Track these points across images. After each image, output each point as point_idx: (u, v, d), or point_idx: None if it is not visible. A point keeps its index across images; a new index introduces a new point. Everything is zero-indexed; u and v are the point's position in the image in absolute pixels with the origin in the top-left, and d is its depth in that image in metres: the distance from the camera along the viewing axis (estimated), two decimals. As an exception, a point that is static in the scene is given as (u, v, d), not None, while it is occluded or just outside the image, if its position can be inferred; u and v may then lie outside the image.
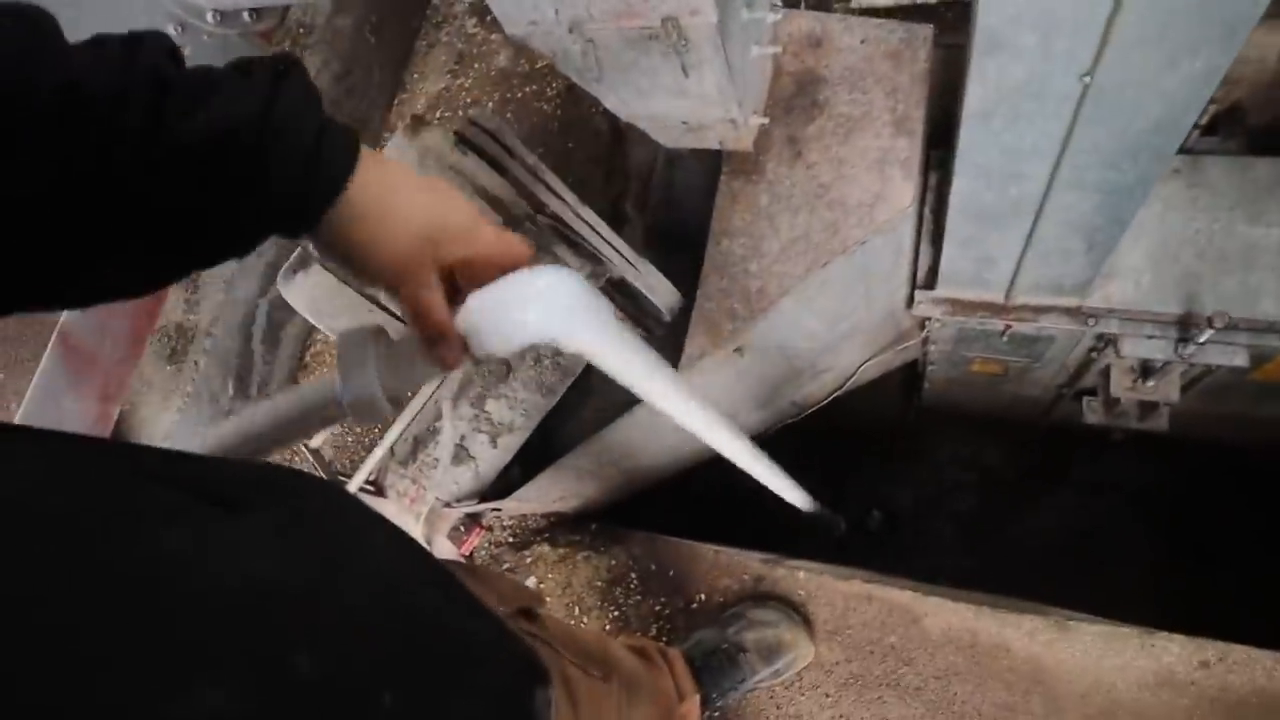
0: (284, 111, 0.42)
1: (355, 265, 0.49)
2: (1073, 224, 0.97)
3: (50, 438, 0.35)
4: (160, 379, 1.46)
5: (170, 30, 1.38)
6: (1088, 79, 0.73)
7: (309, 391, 0.54)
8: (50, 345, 1.40)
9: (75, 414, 1.41)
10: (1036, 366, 1.43)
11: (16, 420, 1.36)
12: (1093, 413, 1.42)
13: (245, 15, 1.51)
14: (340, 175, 0.45)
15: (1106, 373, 1.32)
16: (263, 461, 0.50)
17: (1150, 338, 1.18)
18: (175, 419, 1.44)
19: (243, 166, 0.41)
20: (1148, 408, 1.37)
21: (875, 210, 1.13)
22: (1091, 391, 1.43)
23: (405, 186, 0.48)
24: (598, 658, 0.78)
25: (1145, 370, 1.25)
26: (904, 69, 1.17)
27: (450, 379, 1.22)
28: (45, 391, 1.38)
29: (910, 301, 1.26)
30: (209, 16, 1.43)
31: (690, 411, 0.70)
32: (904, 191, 1.13)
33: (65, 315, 1.34)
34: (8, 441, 0.34)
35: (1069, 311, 1.19)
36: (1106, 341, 1.24)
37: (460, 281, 0.52)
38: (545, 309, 0.48)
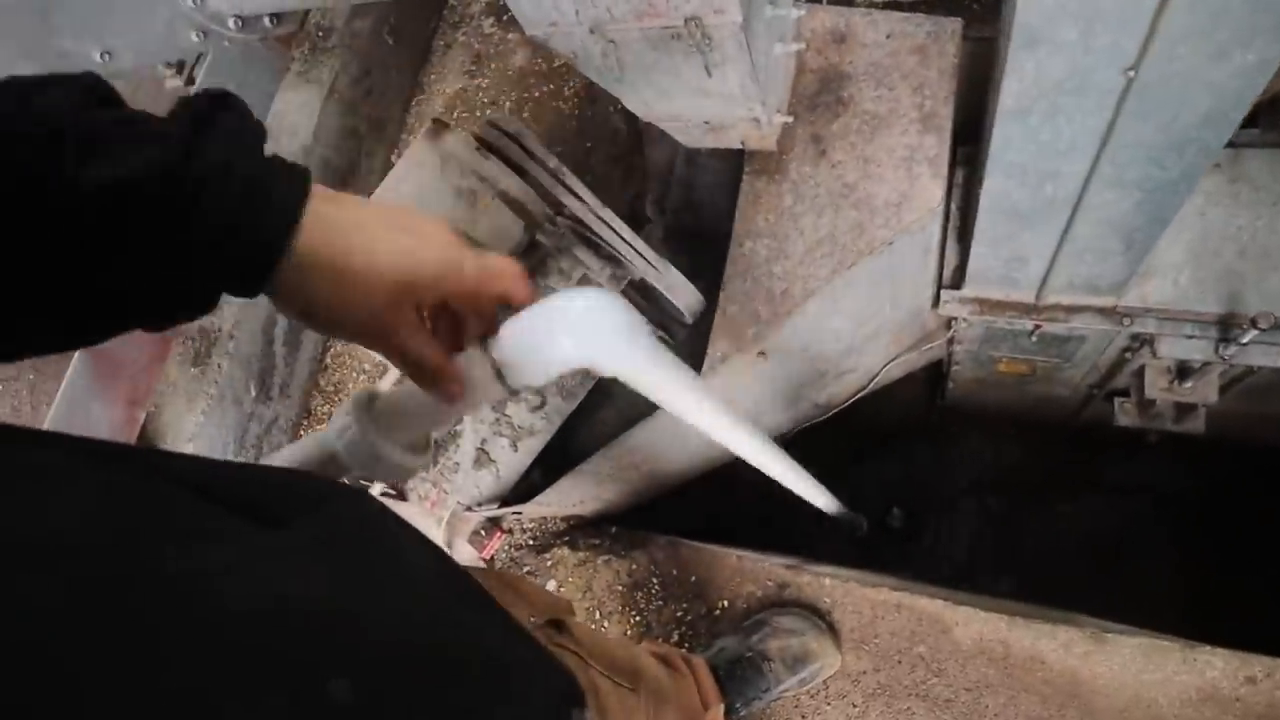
0: (208, 160, 0.38)
1: (320, 323, 0.43)
2: (1111, 222, 0.94)
3: (77, 443, 0.35)
4: (184, 382, 1.47)
5: (193, 37, 1.38)
6: (1132, 73, 0.70)
7: (309, 442, 0.50)
8: (77, 350, 1.42)
9: (102, 418, 1.43)
10: (1066, 367, 1.39)
11: (46, 425, 1.38)
12: (1125, 414, 1.38)
13: (266, 20, 1.51)
14: (284, 224, 0.40)
15: (1140, 373, 1.28)
16: (292, 469, 0.49)
17: (1189, 338, 1.14)
18: (200, 421, 1.45)
19: (159, 219, 0.37)
20: (1184, 409, 1.32)
21: (902, 210, 1.11)
22: (1124, 392, 1.39)
23: (368, 227, 0.42)
24: (626, 667, 0.77)
25: (1182, 371, 1.21)
26: (931, 64, 1.15)
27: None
28: (73, 396, 1.40)
29: (936, 301, 1.23)
30: (230, 23, 1.44)
31: (722, 426, 0.68)
32: (932, 190, 1.10)
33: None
34: (34, 446, 0.33)
35: (1103, 311, 1.15)
36: (1142, 341, 1.20)
37: (456, 307, 0.48)
38: (582, 335, 0.45)
